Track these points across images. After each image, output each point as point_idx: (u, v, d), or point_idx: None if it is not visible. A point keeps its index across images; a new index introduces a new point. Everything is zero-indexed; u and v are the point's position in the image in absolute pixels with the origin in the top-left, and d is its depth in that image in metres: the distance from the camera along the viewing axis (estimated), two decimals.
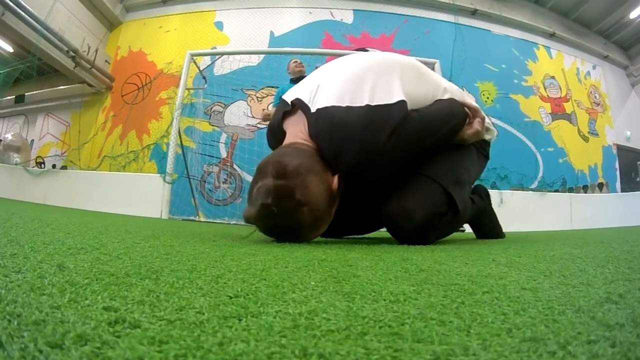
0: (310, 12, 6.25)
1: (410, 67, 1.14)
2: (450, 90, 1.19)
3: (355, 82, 1.03)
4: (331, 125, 0.97)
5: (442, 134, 1.08)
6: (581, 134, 6.77)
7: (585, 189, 6.26)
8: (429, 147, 1.08)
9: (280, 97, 1.21)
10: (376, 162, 0.98)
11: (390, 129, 0.94)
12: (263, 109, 4.86)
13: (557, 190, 5.82)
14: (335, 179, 0.97)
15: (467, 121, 1.18)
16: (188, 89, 5.01)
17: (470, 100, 1.23)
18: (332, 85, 1.04)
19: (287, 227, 0.93)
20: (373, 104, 0.97)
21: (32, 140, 7.19)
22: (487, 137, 1.32)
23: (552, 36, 7.17)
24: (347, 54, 1.32)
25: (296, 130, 1.07)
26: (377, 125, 0.95)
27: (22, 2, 4.68)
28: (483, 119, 1.17)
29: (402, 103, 0.98)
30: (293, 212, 0.90)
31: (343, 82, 1.04)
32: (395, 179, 1.16)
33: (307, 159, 0.97)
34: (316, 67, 1.44)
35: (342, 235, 1.43)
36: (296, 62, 3.42)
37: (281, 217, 0.90)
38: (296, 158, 0.95)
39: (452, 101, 1.14)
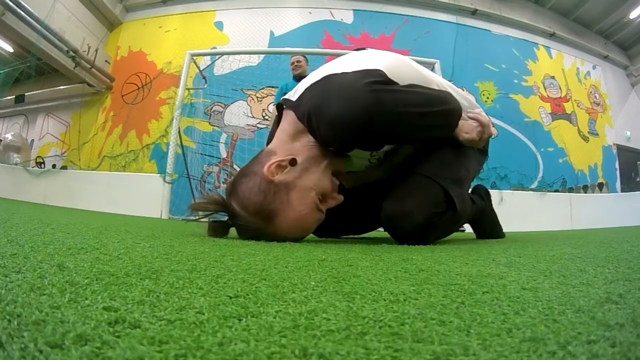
0: (310, 12, 6.25)
1: (398, 58, 1.14)
2: (453, 88, 1.19)
3: (334, 68, 1.05)
4: (314, 89, 1.01)
5: (429, 110, 1.01)
6: (581, 134, 6.77)
7: (585, 189, 6.26)
8: (417, 127, 1.01)
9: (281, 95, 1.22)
10: (360, 116, 0.90)
11: (371, 79, 0.93)
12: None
13: (557, 190, 5.83)
14: (271, 163, 0.98)
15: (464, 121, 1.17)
16: (188, 89, 5.01)
17: (479, 111, 1.22)
18: (312, 78, 1.08)
19: (253, 232, 0.99)
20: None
21: (32, 140, 7.18)
22: None
23: (552, 36, 7.17)
24: (347, 54, 1.31)
25: (278, 132, 1.10)
26: (359, 76, 0.96)
27: (22, 2, 4.68)
28: (490, 135, 1.15)
29: (380, 70, 0.99)
30: (237, 218, 0.99)
31: (323, 71, 1.07)
32: (393, 178, 1.16)
33: (242, 169, 1.04)
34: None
35: (341, 234, 1.43)
36: (293, 63, 3.41)
37: (244, 231, 1.01)
38: (232, 184, 1.03)
39: (448, 92, 1.12)
